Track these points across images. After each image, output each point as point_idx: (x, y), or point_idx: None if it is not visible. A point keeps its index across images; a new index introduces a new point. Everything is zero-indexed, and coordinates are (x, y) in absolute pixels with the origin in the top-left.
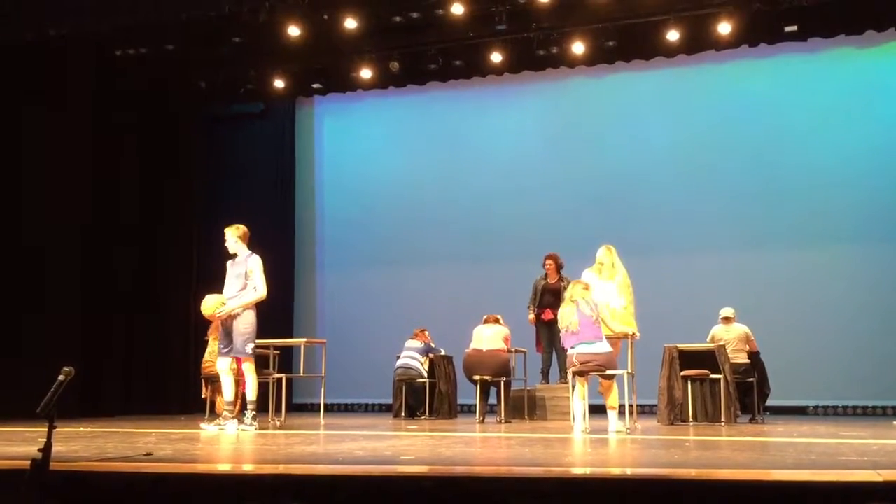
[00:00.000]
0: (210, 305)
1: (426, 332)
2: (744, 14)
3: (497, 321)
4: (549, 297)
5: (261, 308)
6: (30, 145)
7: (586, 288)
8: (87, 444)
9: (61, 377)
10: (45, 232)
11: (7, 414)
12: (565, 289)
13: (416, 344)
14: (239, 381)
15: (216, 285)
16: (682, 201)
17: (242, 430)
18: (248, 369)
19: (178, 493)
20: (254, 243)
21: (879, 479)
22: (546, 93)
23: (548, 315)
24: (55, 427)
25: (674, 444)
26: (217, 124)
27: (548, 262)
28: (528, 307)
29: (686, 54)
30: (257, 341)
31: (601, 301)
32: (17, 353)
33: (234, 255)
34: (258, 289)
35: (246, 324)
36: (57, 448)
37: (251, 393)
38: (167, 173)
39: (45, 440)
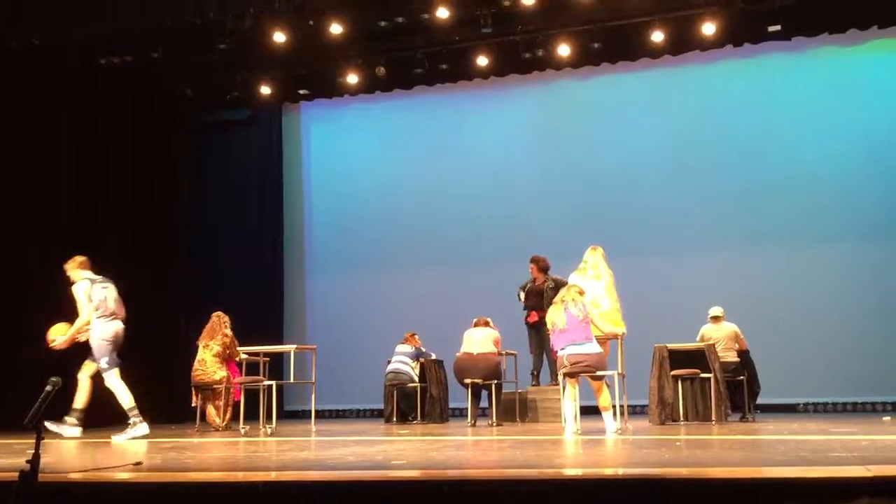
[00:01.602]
0: (50, 333)
1: (416, 337)
2: (728, 14)
3: (487, 324)
4: (534, 299)
5: (249, 313)
6: (14, 153)
7: (581, 293)
8: (76, 454)
9: (48, 388)
10: (30, 241)
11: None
12: (551, 289)
13: (407, 348)
14: (230, 389)
15: (205, 291)
16: (670, 201)
17: (132, 438)
18: (110, 380)
19: (169, 503)
20: (243, 249)
21: (869, 474)
22: (532, 95)
23: (533, 317)
24: (43, 438)
25: (665, 444)
26: (204, 131)
27: (530, 265)
28: (518, 293)
29: (671, 55)
30: (248, 348)
31: (588, 300)
32: (4, 364)
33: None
34: (81, 314)
35: (94, 342)
36: (45, 459)
37: (125, 401)
38: (154, 181)
39: (33, 451)
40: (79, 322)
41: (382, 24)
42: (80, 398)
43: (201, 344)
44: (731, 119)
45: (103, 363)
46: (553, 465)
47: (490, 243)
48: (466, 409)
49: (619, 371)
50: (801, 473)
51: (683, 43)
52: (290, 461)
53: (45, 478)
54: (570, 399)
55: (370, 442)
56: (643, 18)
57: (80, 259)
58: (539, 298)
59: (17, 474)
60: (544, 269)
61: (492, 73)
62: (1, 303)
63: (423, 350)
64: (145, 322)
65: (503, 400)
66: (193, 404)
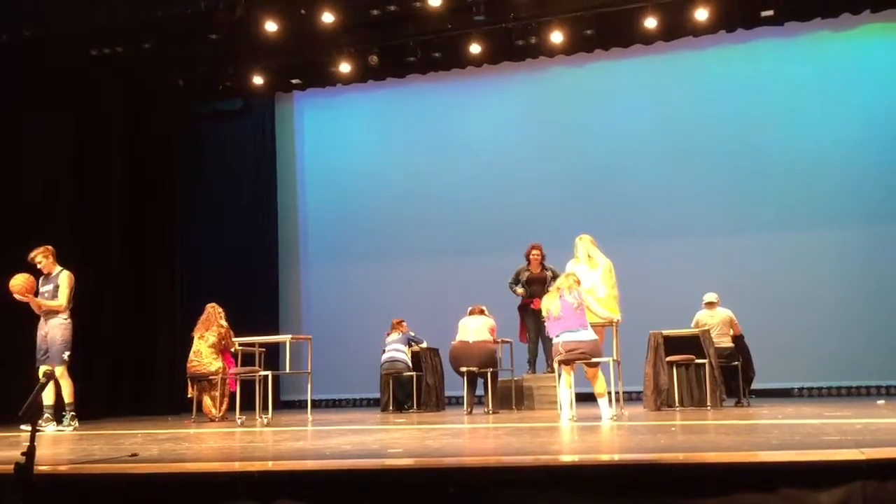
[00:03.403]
0: (17, 283)
1: (404, 323)
2: None
3: (482, 312)
4: (538, 287)
5: (245, 303)
6: (7, 146)
7: (577, 282)
8: (71, 446)
9: (43, 380)
10: (28, 232)
11: None
12: (552, 278)
13: (397, 336)
14: (226, 380)
15: (200, 282)
16: (664, 187)
17: (59, 430)
18: (63, 374)
19: (165, 494)
20: (238, 240)
21: (863, 457)
22: (526, 83)
23: (536, 304)
24: (38, 430)
25: (660, 430)
26: (197, 122)
27: (535, 252)
28: (512, 287)
29: (664, 41)
30: (243, 339)
31: (585, 288)
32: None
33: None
34: (60, 300)
35: (62, 334)
36: (41, 451)
37: (68, 396)
38: (149, 172)
39: (28, 444)
40: (51, 304)
41: (374, 12)
42: (66, 392)
43: (196, 335)
44: (725, 104)
45: (65, 356)
46: (549, 451)
47: (484, 231)
48: (462, 397)
49: (615, 358)
50: (795, 457)
51: (676, 29)
52: (287, 451)
53: (40, 470)
54: (565, 386)
55: (366, 431)
56: (636, 4)
57: (52, 249)
58: (541, 286)
59: (12, 466)
60: (544, 257)
61: (485, 60)
62: None
63: (413, 334)
64: (140, 314)
65: (499, 388)
66: (189, 395)
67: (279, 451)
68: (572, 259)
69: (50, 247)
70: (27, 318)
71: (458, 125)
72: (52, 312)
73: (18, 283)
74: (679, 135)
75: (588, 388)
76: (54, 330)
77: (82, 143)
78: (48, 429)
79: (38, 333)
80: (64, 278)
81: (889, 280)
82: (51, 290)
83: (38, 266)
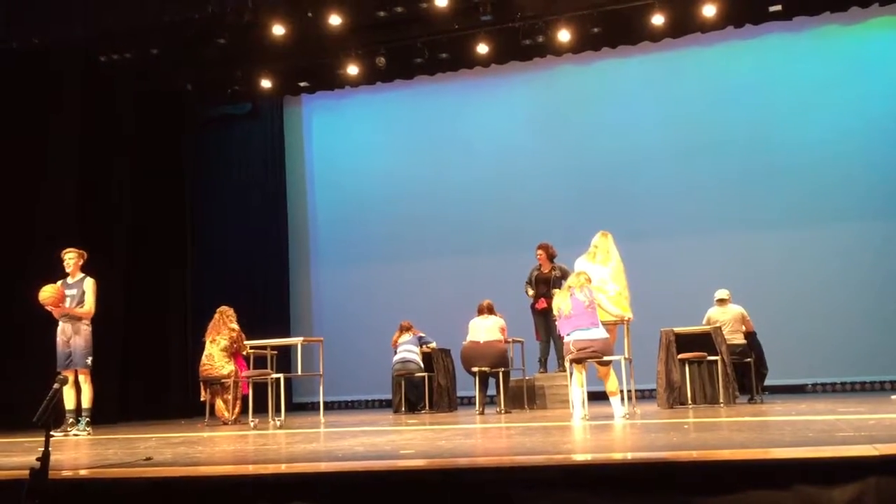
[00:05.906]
0: (49, 296)
1: (410, 324)
2: None
3: (491, 309)
4: (543, 287)
5: (256, 307)
6: (17, 153)
7: (588, 280)
8: (85, 451)
9: (56, 385)
10: (38, 238)
11: (4, 424)
12: (558, 277)
13: (409, 337)
14: (238, 383)
15: (211, 286)
16: (674, 185)
17: (74, 434)
18: (86, 380)
19: (180, 497)
20: (248, 243)
21: (876, 453)
22: (534, 82)
23: (542, 304)
24: (52, 435)
25: (673, 428)
26: (206, 126)
27: (538, 252)
28: (525, 288)
29: (672, 38)
30: (255, 342)
31: (595, 285)
32: (15, 360)
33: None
34: (87, 307)
35: (85, 339)
36: (55, 456)
37: (87, 401)
38: (158, 176)
39: (43, 449)
40: (80, 311)
41: (381, 14)
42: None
43: (208, 339)
44: (734, 101)
45: (88, 361)
46: (562, 451)
47: (494, 231)
48: (474, 397)
49: (626, 356)
50: (809, 453)
51: (684, 25)
52: (300, 453)
53: (55, 475)
54: (577, 385)
55: (379, 432)
56: (643, 1)
57: (85, 255)
58: (547, 286)
59: (27, 472)
60: (552, 256)
61: (492, 60)
62: (1, 304)
63: (423, 335)
64: (152, 318)
65: (511, 387)
66: (202, 399)
67: (292, 453)
68: (584, 255)
69: (84, 252)
70: (45, 323)
71: (466, 125)
72: (76, 318)
73: (49, 294)
74: (688, 131)
75: (600, 387)
76: (78, 335)
77: (92, 147)
78: (73, 432)
79: (59, 339)
80: (90, 285)
81: None
82: (75, 296)
83: (66, 264)
